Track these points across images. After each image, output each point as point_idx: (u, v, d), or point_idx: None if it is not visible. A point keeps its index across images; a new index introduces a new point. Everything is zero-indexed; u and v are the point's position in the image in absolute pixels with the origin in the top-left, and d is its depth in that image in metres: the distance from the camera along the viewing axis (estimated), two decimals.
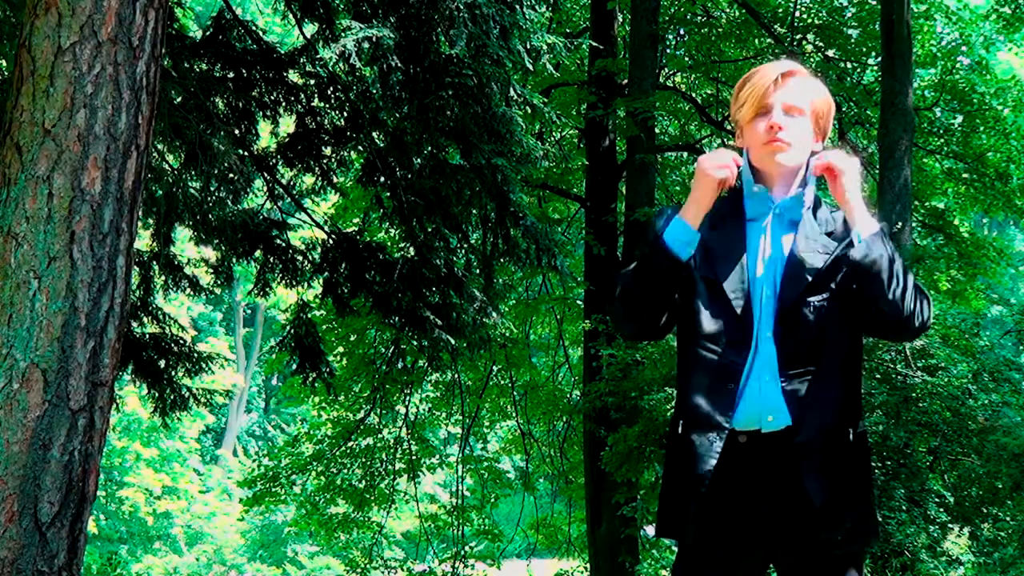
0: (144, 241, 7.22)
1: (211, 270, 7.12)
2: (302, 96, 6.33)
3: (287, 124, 6.93)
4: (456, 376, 11.91)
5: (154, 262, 6.97)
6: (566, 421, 12.71)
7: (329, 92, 6.31)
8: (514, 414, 12.87)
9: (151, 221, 6.75)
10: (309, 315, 7.19)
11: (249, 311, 34.08)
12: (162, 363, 7.05)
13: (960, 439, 7.30)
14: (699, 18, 12.76)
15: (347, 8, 5.95)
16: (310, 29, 6.22)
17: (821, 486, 2.24)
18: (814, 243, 2.30)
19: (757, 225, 2.34)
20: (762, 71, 2.34)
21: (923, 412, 7.21)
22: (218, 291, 7.32)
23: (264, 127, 7.04)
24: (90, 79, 3.67)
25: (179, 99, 6.14)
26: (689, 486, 2.28)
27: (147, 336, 6.99)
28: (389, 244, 7.96)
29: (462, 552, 12.16)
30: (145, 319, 7.05)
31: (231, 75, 6.22)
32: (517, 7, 5.61)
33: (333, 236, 6.94)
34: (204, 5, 26.32)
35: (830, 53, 12.62)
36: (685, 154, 13.77)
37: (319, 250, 6.88)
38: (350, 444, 12.16)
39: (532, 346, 12.98)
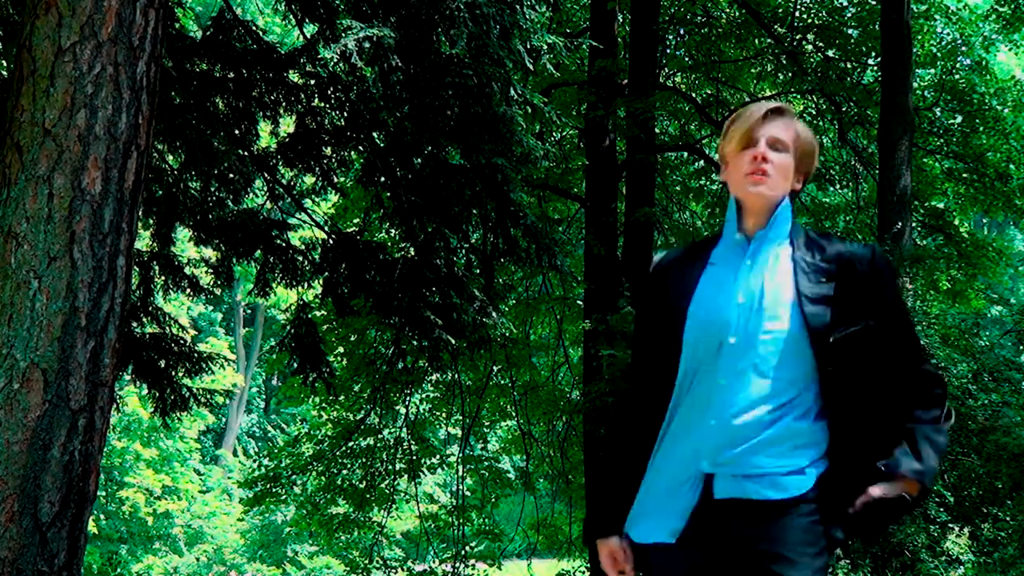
0: (144, 241, 7.21)
1: (211, 270, 7.11)
2: (302, 96, 6.33)
3: (287, 124, 6.93)
4: (456, 376, 11.90)
5: (154, 262, 6.97)
6: (566, 421, 12.70)
7: (329, 92, 6.31)
8: (514, 414, 12.85)
9: (151, 221, 6.75)
10: (309, 315, 7.19)
11: (249, 311, 34.10)
12: (162, 363, 7.05)
13: (960, 439, 7.30)
14: (699, 18, 12.76)
15: (347, 8, 5.94)
16: (310, 29, 6.22)
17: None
18: (819, 276, 2.32)
19: (727, 263, 2.37)
20: (751, 108, 2.40)
21: None
22: (218, 291, 7.31)
23: (264, 127, 7.04)
24: (90, 79, 3.67)
25: (179, 99, 6.14)
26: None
27: (147, 336, 6.99)
28: (389, 244, 7.95)
29: (462, 552, 12.15)
30: (145, 319, 7.04)
31: (231, 75, 6.22)
32: (517, 7, 5.62)
33: (333, 236, 6.94)
34: (204, 5, 26.32)
35: (830, 53, 12.62)
36: (685, 154, 13.78)
37: (319, 250, 6.88)
38: (350, 444, 12.15)
39: (532, 346, 12.97)
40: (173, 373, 7.12)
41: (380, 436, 12.22)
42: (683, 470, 2.29)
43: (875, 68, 12.43)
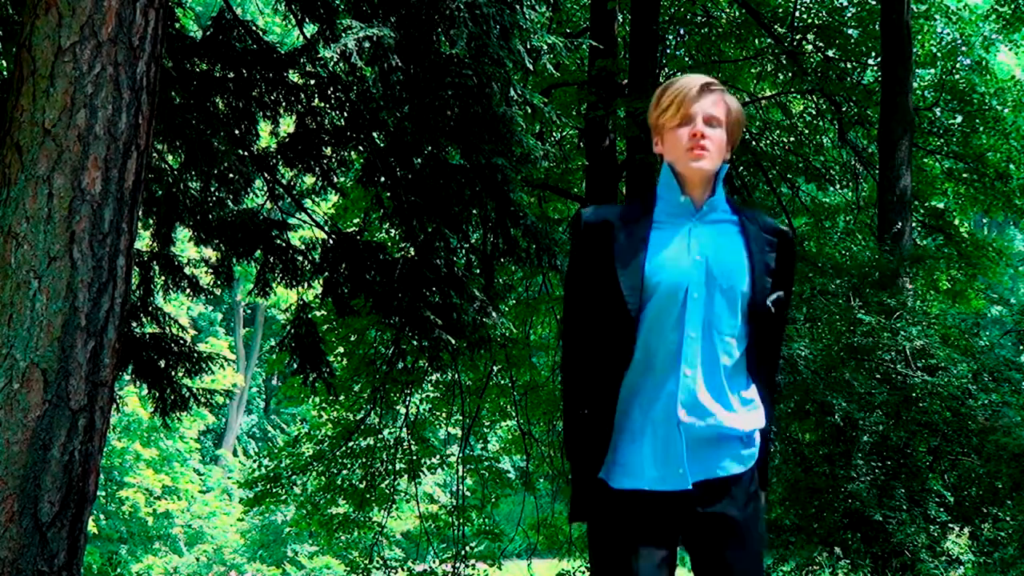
0: (144, 241, 7.21)
1: (211, 270, 7.11)
2: (302, 96, 6.33)
3: (287, 124, 6.93)
4: (456, 376, 11.90)
5: (154, 262, 6.96)
6: None
7: (329, 92, 6.31)
8: (514, 414, 12.85)
9: (151, 221, 6.75)
10: (309, 315, 7.19)
11: (249, 311, 34.10)
12: (162, 363, 7.04)
13: (960, 439, 7.30)
14: (699, 18, 12.76)
15: (347, 8, 5.94)
16: (310, 29, 6.22)
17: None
18: (763, 245, 2.52)
19: (674, 225, 2.49)
20: (684, 81, 2.50)
21: (923, 412, 7.21)
22: (218, 291, 7.31)
23: (264, 127, 7.03)
24: (90, 79, 3.67)
25: (179, 99, 6.14)
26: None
27: (147, 336, 6.99)
28: (389, 244, 7.95)
29: (462, 552, 12.15)
30: (145, 319, 7.04)
31: (231, 75, 6.21)
32: (517, 7, 5.61)
33: (333, 236, 6.94)
34: (204, 5, 26.33)
35: (830, 53, 12.62)
36: None
37: (319, 250, 6.87)
38: (350, 444, 12.15)
39: (532, 346, 12.96)
40: (173, 373, 7.11)
41: (380, 436, 12.21)
42: (665, 419, 2.42)
43: (875, 68, 12.43)
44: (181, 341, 7.17)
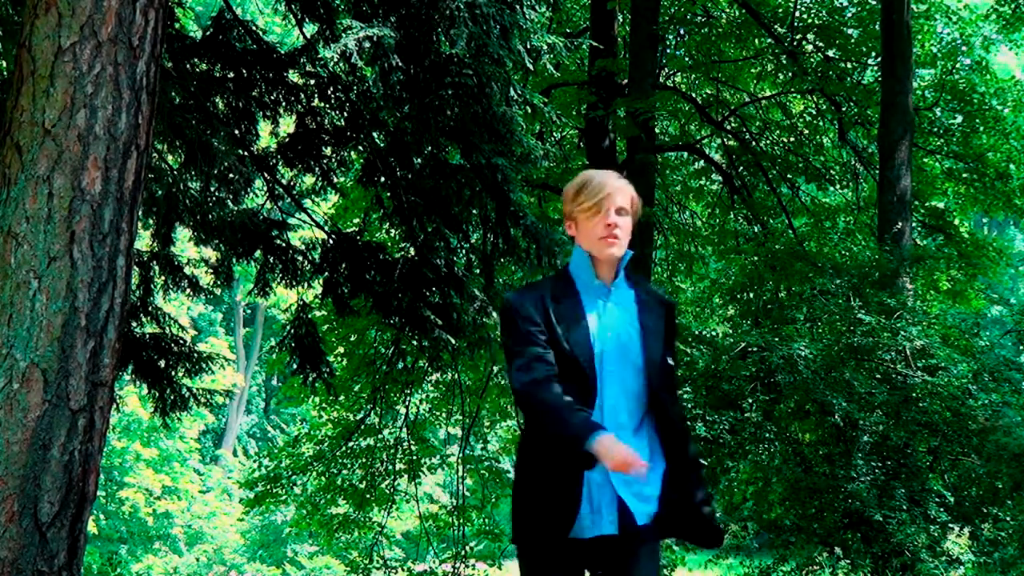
0: (144, 241, 7.21)
1: (211, 270, 7.11)
2: (302, 96, 6.33)
3: (287, 124, 6.93)
4: (456, 376, 11.89)
5: (154, 262, 6.96)
6: None
7: (329, 92, 6.31)
8: (514, 414, 12.84)
9: (151, 221, 6.74)
10: (309, 315, 7.18)
11: (249, 311, 34.09)
12: (162, 363, 7.04)
13: (960, 439, 7.29)
14: (699, 18, 12.76)
15: (347, 8, 5.94)
16: (310, 29, 6.22)
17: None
18: (654, 315, 2.89)
19: (591, 302, 2.84)
20: (598, 178, 2.84)
21: (923, 412, 7.21)
22: (218, 291, 7.31)
23: (264, 127, 7.03)
24: (90, 79, 3.67)
25: (179, 99, 6.13)
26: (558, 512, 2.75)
27: (147, 336, 6.99)
28: (389, 244, 7.95)
29: (462, 552, 12.14)
30: (145, 319, 7.04)
31: (231, 75, 6.21)
32: (517, 7, 5.61)
33: (333, 236, 6.94)
34: (204, 5, 26.33)
35: (830, 53, 12.62)
36: (685, 154, 13.78)
37: (319, 250, 6.87)
38: (350, 444, 12.15)
39: None
40: (173, 373, 7.11)
41: (380, 436, 12.21)
42: (601, 473, 2.72)
43: (875, 68, 12.43)
44: (181, 341, 7.17)
